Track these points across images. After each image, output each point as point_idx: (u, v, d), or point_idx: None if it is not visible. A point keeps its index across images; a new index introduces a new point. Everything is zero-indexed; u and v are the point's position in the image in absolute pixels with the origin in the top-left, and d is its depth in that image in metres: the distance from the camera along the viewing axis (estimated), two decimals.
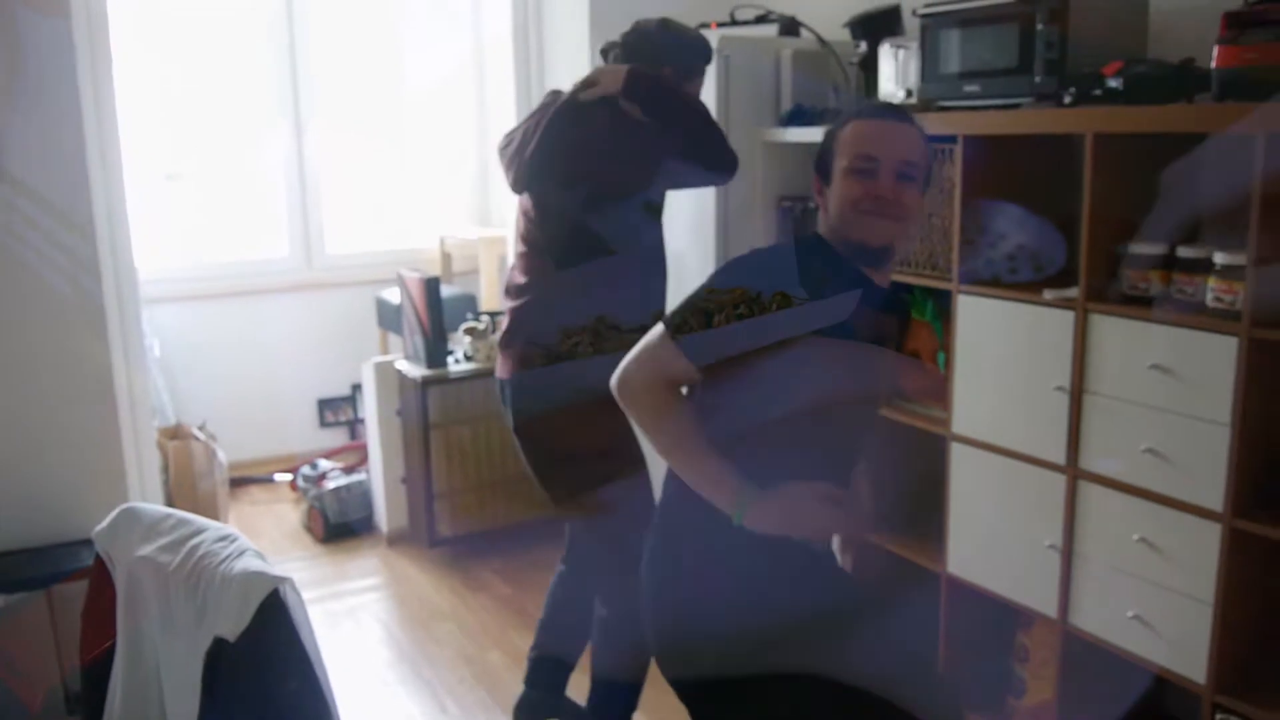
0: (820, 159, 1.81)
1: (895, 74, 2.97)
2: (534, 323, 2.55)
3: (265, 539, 4.26)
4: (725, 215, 3.39)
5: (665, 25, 2.65)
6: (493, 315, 4.18)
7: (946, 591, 2.75)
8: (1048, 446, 2.43)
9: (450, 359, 4.03)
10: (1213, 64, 2.14)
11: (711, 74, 3.29)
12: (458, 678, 3.17)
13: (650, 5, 2.90)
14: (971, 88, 2.65)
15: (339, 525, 4.23)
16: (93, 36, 3.06)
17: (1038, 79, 2.47)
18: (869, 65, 3.11)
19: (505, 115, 4.49)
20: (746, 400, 1.70)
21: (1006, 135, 2.52)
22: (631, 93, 2.51)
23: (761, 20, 3.57)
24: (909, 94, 2.89)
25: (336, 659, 3.32)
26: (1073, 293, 2.34)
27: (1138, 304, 2.26)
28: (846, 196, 1.73)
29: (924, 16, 2.74)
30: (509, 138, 2.68)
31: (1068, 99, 2.39)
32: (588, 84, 2.57)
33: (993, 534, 2.62)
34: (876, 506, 2.13)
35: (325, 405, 5.00)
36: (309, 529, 4.31)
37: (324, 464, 4.51)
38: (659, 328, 1.73)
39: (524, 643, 3.37)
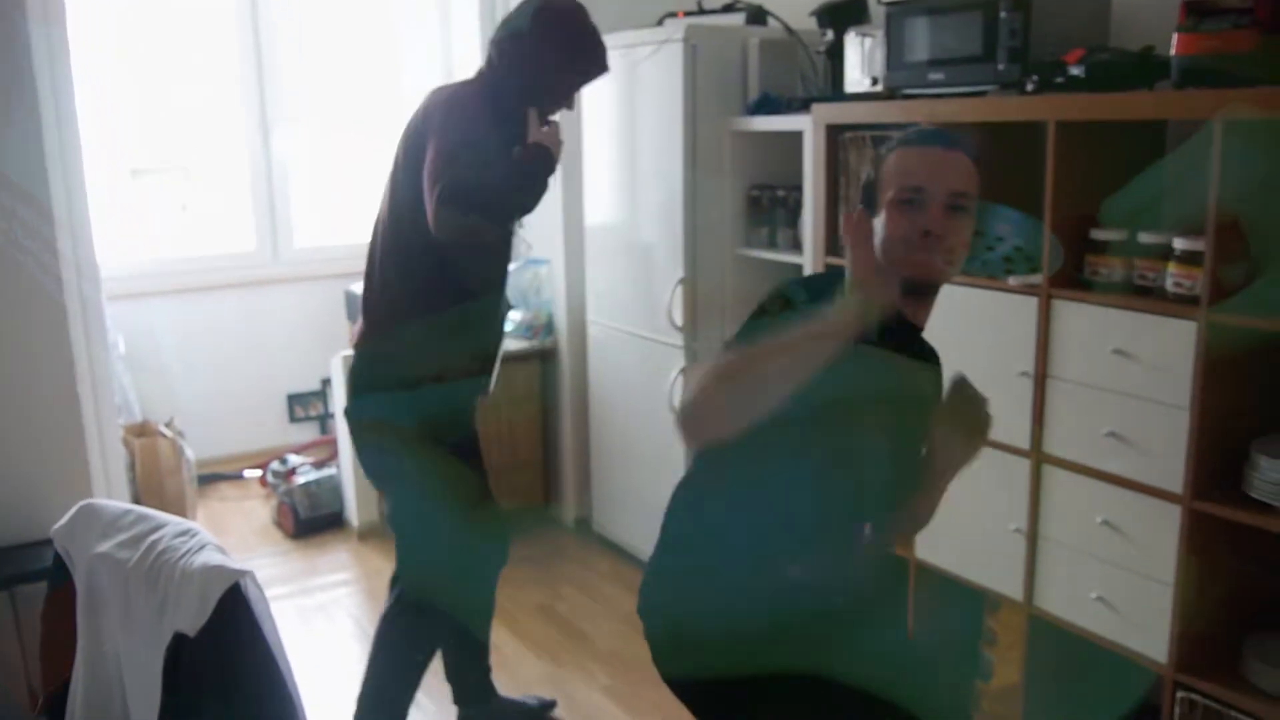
0: (866, 188, 1.70)
1: (861, 62, 2.97)
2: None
3: (235, 535, 4.23)
4: (694, 205, 3.39)
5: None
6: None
7: (915, 577, 2.77)
8: (1012, 431, 2.45)
9: None
10: (1172, 51, 2.16)
11: (678, 63, 3.31)
12: (431, 670, 3.15)
13: None
14: (936, 76, 2.66)
15: (309, 521, 4.21)
16: (50, 32, 3.01)
17: (1001, 67, 2.48)
18: (835, 54, 3.12)
19: None
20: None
21: (971, 123, 2.53)
22: None
23: (728, 9, 3.57)
24: (874, 82, 2.90)
25: (308, 655, 3.31)
26: (1036, 279, 2.36)
27: (1100, 290, 2.28)
28: (892, 229, 1.61)
29: (889, 5, 2.74)
30: None
31: (1030, 86, 2.40)
32: None
33: (959, 519, 2.63)
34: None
35: (295, 400, 4.96)
36: (279, 525, 4.28)
37: (294, 459, 4.48)
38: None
39: (495, 634, 3.36)
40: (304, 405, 4.99)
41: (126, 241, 4.61)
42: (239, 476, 4.77)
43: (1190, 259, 2.09)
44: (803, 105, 3.10)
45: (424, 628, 2.64)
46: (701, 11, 3.64)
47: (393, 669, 2.62)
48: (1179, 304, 2.11)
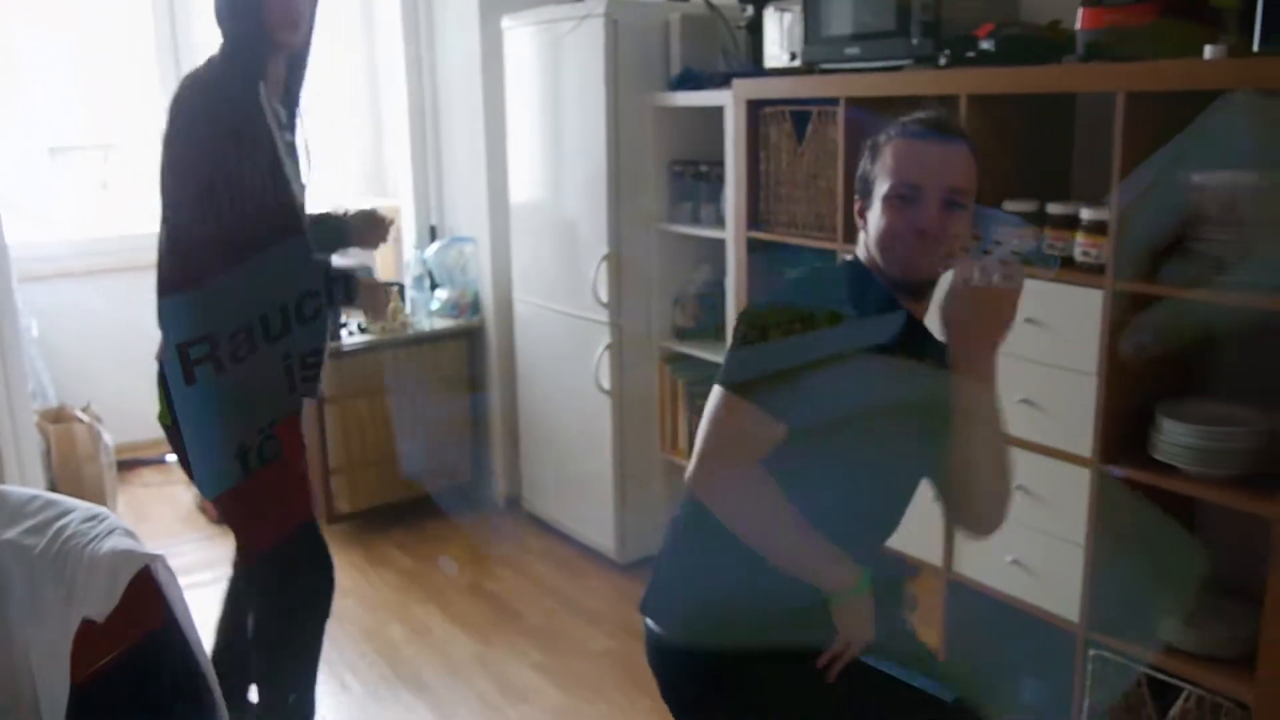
0: (861, 178, 1.63)
1: (780, 38, 2.99)
2: None
3: (158, 521, 4.15)
4: (617, 180, 3.39)
5: None
6: (388, 285, 4.11)
7: None
8: None
9: (344, 331, 3.96)
10: (1078, 26, 2.20)
11: (600, 38, 3.29)
12: (359, 653, 3.14)
13: None
14: (853, 51, 2.68)
15: None
16: None
17: (915, 41, 2.51)
18: (756, 29, 3.13)
19: (397, 83, 4.41)
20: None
21: (887, 97, 2.56)
22: None
23: None
24: (793, 57, 2.91)
25: None
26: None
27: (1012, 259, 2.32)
28: (886, 227, 1.56)
29: None
30: None
31: (943, 61, 2.44)
32: None
33: None
34: None
35: None
36: (203, 510, 4.20)
37: None
38: (721, 395, 1.53)
39: (425, 615, 3.37)
40: None
41: (43, 221, 4.47)
42: (161, 461, 4.67)
43: (1096, 229, 2.14)
44: (724, 80, 3.11)
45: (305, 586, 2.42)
46: None
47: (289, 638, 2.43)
48: (1086, 273, 2.16)
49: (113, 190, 4.72)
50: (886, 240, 1.56)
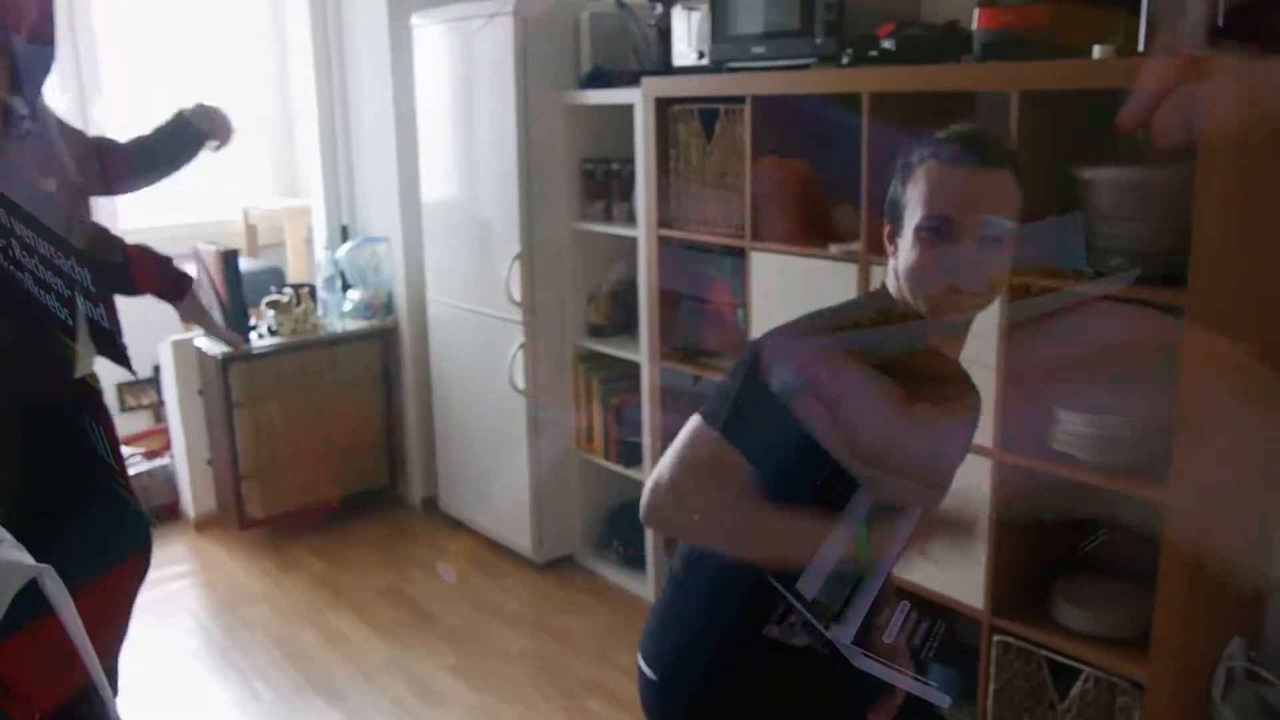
0: (892, 201, 1.47)
1: (689, 36, 3.00)
2: None
3: None
4: (529, 179, 3.37)
5: None
6: (297, 288, 4.05)
7: None
8: None
9: (254, 335, 3.89)
10: (974, 26, 2.25)
11: (509, 35, 3.28)
12: (269, 660, 3.09)
13: None
14: (759, 49, 2.71)
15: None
16: None
17: (819, 40, 2.55)
18: (666, 27, 3.14)
19: (306, 81, 4.34)
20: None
21: (792, 95, 2.59)
22: None
23: None
24: (701, 55, 2.93)
25: (141, 655, 3.18)
26: (856, 246, 2.44)
27: None
28: (915, 263, 1.41)
29: None
30: None
31: (846, 59, 2.47)
32: None
33: None
34: None
35: (125, 389, 4.74)
36: None
37: (125, 450, 4.29)
38: (696, 423, 1.43)
39: (339, 620, 3.32)
40: (135, 394, 4.77)
41: None
42: None
43: None
44: (634, 79, 3.12)
45: None
46: None
47: None
48: None
49: None
50: (916, 277, 1.42)
